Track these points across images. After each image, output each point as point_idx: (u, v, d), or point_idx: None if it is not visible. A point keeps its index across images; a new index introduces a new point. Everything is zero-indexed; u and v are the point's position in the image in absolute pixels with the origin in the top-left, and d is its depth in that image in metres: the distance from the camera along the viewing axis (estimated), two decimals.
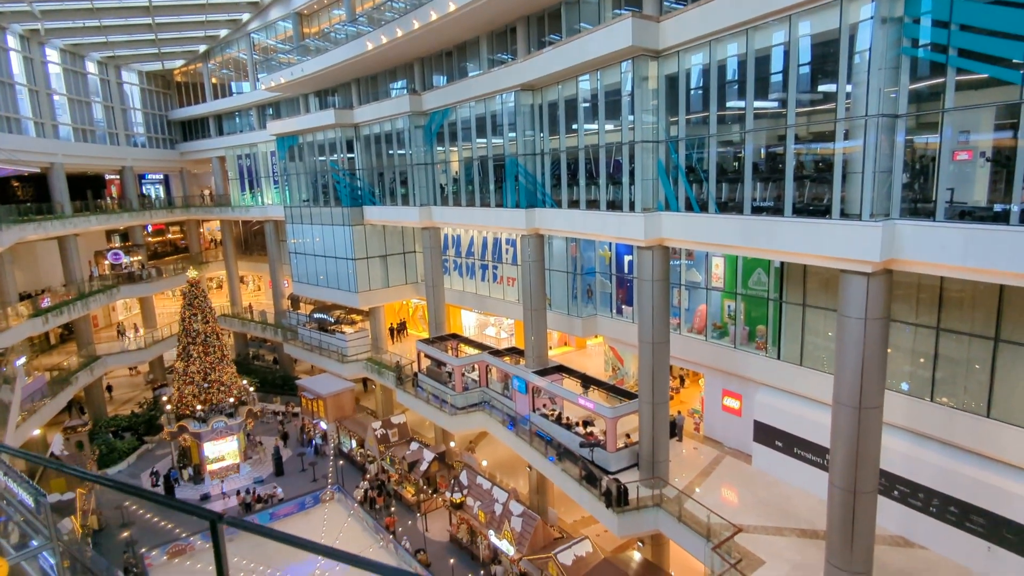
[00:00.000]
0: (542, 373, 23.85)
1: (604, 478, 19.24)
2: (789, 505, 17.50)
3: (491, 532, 22.18)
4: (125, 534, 23.83)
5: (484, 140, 25.37)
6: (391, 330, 38.02)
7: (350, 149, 33.17)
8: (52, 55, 38.91)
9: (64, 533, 19.87)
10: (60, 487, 23.96)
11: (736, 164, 15.49)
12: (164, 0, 34.45)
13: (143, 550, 22.80)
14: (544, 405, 24.69)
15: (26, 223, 31.53)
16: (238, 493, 28.15)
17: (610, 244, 25.38)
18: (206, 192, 50.39)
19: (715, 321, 21.45)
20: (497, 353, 27.17)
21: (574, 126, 20.95)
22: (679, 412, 23.35)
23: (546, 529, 21.87)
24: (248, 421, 31.16)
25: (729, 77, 15.18)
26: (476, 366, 27.60)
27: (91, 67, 42.48)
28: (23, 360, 28.16)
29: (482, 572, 22.31)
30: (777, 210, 14.08)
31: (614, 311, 25.27)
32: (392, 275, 34.55)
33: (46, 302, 31.64)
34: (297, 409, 36.82)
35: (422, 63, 30.10)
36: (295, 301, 43.64)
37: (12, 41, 35.44)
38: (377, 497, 27.85)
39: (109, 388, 40.60)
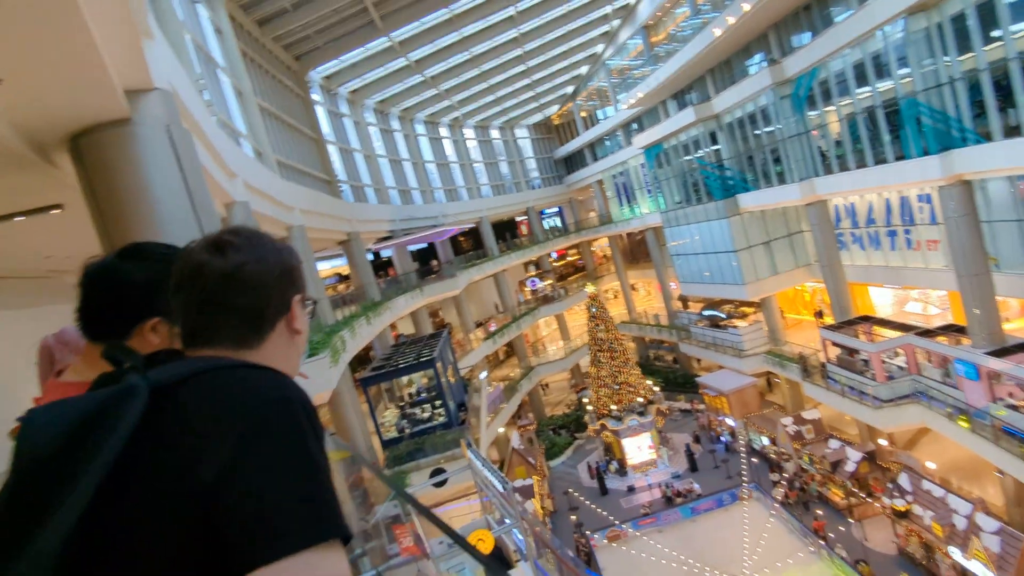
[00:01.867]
0: (999, 353, 18.81)
1: None
2: None
3: (953, 549, 18.30)
4: (573, 517, 27.90)
5: (867, 88, 21.76)
6: (817, 314, 35.32)
7: (714, 141, 32.60)
8: (468, 133, 49.53)
9: (528, 514, 24.36)
10: (522, 474, 29.55)
11: None
12: (536, 60, 40.27)
13: (587, 532, 26.30)
14: (1010, 394, 19.36)
15: (472, 267, 40.57)
16: (660, 486, 30.00)
17: None
18: (592, 214, 56.14)
19: None
20: (926, 333, 22.62)
21: (995, 32, 16.23)
22: None
23: None
24: (658, 419, 33.08)
25: None
26: (900, 350, 23.50)
27: (494, 133, 52.44)
28: (485, 374, 36.02)
29: None
30: None
31: None
32: (780, 261, 32.32)
33: (493, 327, 39.95)
34: (701, 406, 37.37)
35: (776, 29, 27.66)
36: (684, 301, 44.60)
37: (444, 131, 46.51)
38: (790, 492, 26.07)
39: (544, 385, 48.22)
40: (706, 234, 34.29)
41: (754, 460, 30.14)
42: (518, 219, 58.28)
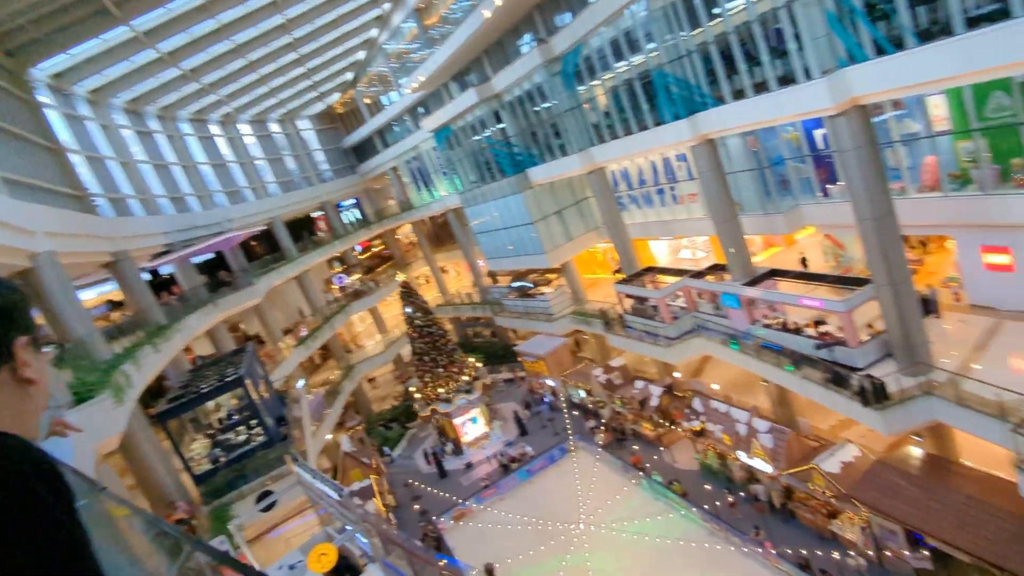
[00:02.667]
0: (752, 283, 22.31)
1: (853, 376, 17.51)
2: None
3: (741, 453, 21.59)
4: (416, 507, 27.71)
5: (624, 62, 23.98)
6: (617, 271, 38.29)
7: (499, 120, 33.70)
8: (244, 128, 45.29)
9: (371, 515, 23.54)
10: (358, 476, 28.51)
11: None
12: (309, 47, 37.90)
13: (433, 517, 26.32)
14: (764, 316, 23.15)
15: (270, 272, 37.51)
16: (495, 457, 31.01)
17: (793, 124, 22.55)
18: (391, 202, 55.17)
19: (950, 171, 17.99)
20: (698, 275, 26.01)
21: (715, 10, 18.79)
22: (929, 286, 20.21)
23: (800, 440, 20.68)
24: (485, 393, 34.02)
25: None
26: (679, 293, 26.78)
27: (274, 127, 48.65)
28: (303, 382, 33.83)
29: (742, 493, 21.89)
30: (1003, 12, 11.19)
31: (818, 195, 22.53)
32: (572, 227, 34.69)
33: (304, 332, 37.54)
34: (523, 373, 39.19)
35: (541, 10, 29.24)
36: (494, 276, 46.05)
37: (215, 128, 41.95)
38: (608, 434, 28.75)
39: (370, 380, 46.83)
40: (503, 210, 35.54)
41: (575, 413, 32.48)
42: (315, 215, 55.12)
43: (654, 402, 27.52)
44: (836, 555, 16.81)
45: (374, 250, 61.09)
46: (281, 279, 39.07)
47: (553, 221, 34.18)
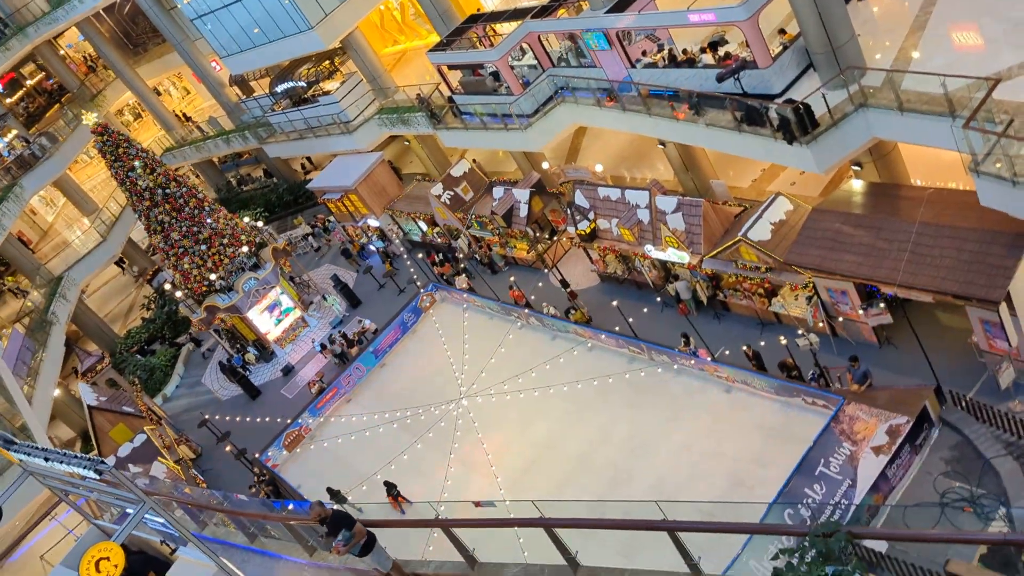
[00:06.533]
0: (619, 6, 22.57)
1: (771, 106, 18.81)
2: None
3: (648, 247, 23.20)
4: (228, 448, 27.74)
5: None
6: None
7: None
8: None
9: (161, 480, 23.29)
10: (125, 435, 27.82)
11: None
12: None
13: (256, 455, 26.60)
14: (644, 53, 23.77)
15: None
16: (324, 348, 31.23)
17: None
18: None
19: None
20: (544, 12, 25.79)
21: None
22: None
23: (718, 210, 22.49)
24: (282, 262, 33.30)
25: None
26: (524, 46, 26.64)
27: None
28: None
29: (659, 299, 23.89)
30: None
31: None
32: None
33: None
34: (331, 219, 38.60)
35: None
36: (243, 84, 43.55)
37: None
38: (469, 279, 29.80)
39: (82, 292, 44.49)
40: None
41: (420, 256, 32.89)
42: None
43: (523, 211, 28.35)
44: (783, 340, 19.17)
45: (29, 83, 56.19)
46: None
47: None
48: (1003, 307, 15.34)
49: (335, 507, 13.27)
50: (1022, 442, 15.42)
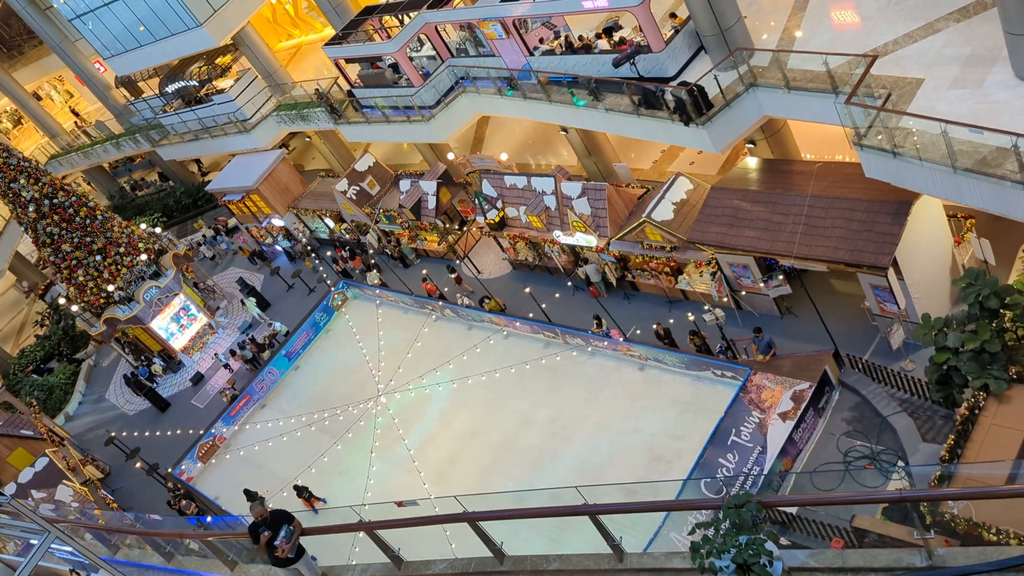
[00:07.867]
0: None
1: (666, 89, 19.37)
2: None
3: (557, 233, 23.61)
4: (139, 464, 26.96)
5: None
6: None
7: None
8: None
9: (67, 505, 22.48)
10: (26, 459, 26.79)
11: None
12: None
13: (168, 470, 26.00)
14: (542, 40, 24.09)
15: None
16: (234, 353, 30.66)
17: None
18: None
19: None
20: (439, 2, 25.85)
21: None
22: None
23: (622, 193, 23.09)
24: (184, 268, 32.56)
25: None
26: (422, 36, 26.68)
27: None
28: None
29: (570, 283, 24.35)
30: None
31: None
32: None
33: None
34: (232, 220, 37.84)
35: None
36: (128, 84, 42.31)
37: None
38: (380, 275, 29.76)
39: None
40: None
41: (328, 254, 32.56)
42: None
43: (430, 203, 28.45)
44: (691, 316, 19.89)
45: None
46: None
47: None
48: (891, 272, 16.27)
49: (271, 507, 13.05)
50: (915, 399, 16.45)
